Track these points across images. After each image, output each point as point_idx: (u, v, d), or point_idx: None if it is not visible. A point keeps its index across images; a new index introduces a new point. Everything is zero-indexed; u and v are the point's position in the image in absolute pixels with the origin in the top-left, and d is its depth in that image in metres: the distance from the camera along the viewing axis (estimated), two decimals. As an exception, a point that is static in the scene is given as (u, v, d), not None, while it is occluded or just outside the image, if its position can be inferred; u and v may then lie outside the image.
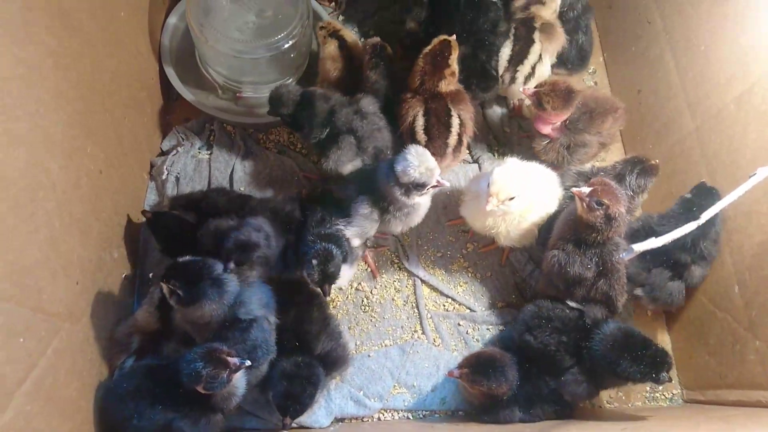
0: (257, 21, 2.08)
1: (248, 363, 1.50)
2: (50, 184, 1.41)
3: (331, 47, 2.07)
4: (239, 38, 2.03)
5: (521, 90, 2.05)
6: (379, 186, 1.75)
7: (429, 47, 1.94)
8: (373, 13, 2.57)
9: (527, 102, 2.18)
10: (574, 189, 1.72)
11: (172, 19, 2.28)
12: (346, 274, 1.76)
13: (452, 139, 1.93)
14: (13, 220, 1.25)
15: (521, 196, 1.78)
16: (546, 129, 2.05)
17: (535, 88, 1.96)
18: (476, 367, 1.73)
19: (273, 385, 1.68)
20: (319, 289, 1.70)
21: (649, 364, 1.66)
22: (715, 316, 1.92)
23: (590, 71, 2.59)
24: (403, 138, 2.01)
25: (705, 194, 1.84)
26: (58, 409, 1.39)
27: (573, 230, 1.78)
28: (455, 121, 1.94)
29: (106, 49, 1.73)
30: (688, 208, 1.82)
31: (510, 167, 1.81)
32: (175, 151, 2.14)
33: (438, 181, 1.71)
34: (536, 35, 2.15)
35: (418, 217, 1.86)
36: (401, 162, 1.67)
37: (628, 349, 1.68)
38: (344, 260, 1.70)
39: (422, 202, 1.80)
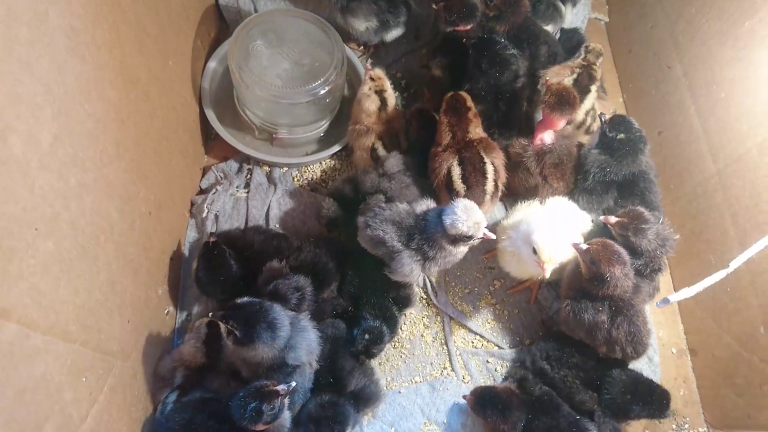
0: (295, 68, 2.18)
1: (293, 384, 1.59)
2: (110, 228, 1.49)
3: (372, 103, 2.13)
4: (277, 84, 2.12)
5: None
6: (427, 234, 1.78)
7: (443, 106, 2.04)
8: (401, 57, 2.68)
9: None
10: (572, 243, 1.79)
11: (212, 64, 2.39)
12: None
13: (489, 186, 1.98)
14: (80, 265, 1.33)
15: (567, 250, 1.84)
16: (546, 135, 2.11)
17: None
18: (481, 398, 1.86)
19: (303, 428, 1.74)
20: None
21: (657, 407, 1.83)
22: (742, 356, 1.95)
23: (611, 112, 2.67)
24: (437, 191, 2.06)
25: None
26: (112, 445, 1.46)
27: (579, 280, 1.85)
28: (490, 168, 1.99)
29: (157, 97, 1.84)
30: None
31: (549, 230, 1.81)
32: (214, 190, 2.23)
33: (485, 234, 1.75)
34: (594, 87, 2.23)
35: (456, 261, 1.90)
36: (449, 215, 1.71)
37: (637, 394, 1.83)
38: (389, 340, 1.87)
39: (465, 249, 1.86)
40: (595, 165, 2.04)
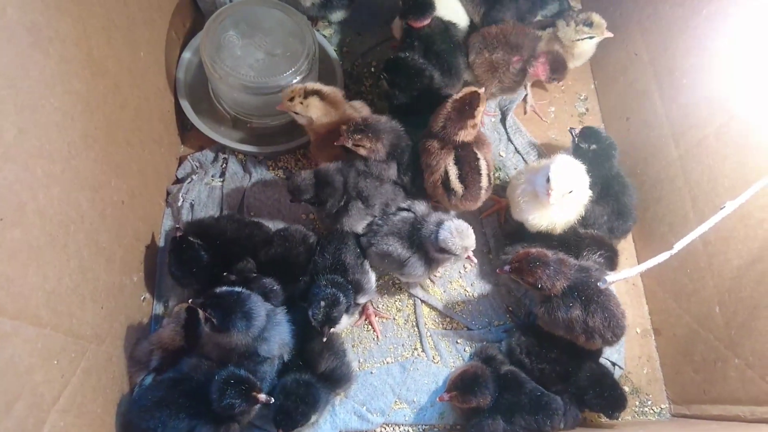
0: (267, 58, 2.22)
1: (272, 400, 1.69)
2: (79, 217, 1.54)
3: (316, 102, 2.04)
4: (250, 75, 2.16)
5: None
6: (421, 237, 1.95)
7: (459, 95, 1.98)
8: (376, 45, 2.71)
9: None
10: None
11: (187, 54, 2.42)
12: (344, 322, 1.91)
13: (484, 182, 2.04)
14: (50, 253, 1.39)
15: (577, 189, 1.94)
16: None
17: None
18: (463, 388, 1.89)
19: (274, 398, 1.79)
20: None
21: (611, 404, 1.90)
22: (699, 335, 2.03)
23: (582, 98, 2.73)
24: (431, 186, 2.08)
25: None
26: (86, 424, 1.52)
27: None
28: (483, 165, 2.04)
29: (128, 88, 1.88)
30: None
31: (564, 163, 1.92)
32: (190, 179, 2.28)
33: (468, 256, 1.90)
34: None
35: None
36: (444, 233, 1.85)
37: (600, 384, 1.92)
38: (346, 310, 1.86)
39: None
40: None
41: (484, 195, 2.09)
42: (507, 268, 1.87)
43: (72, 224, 1.50)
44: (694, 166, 2.06)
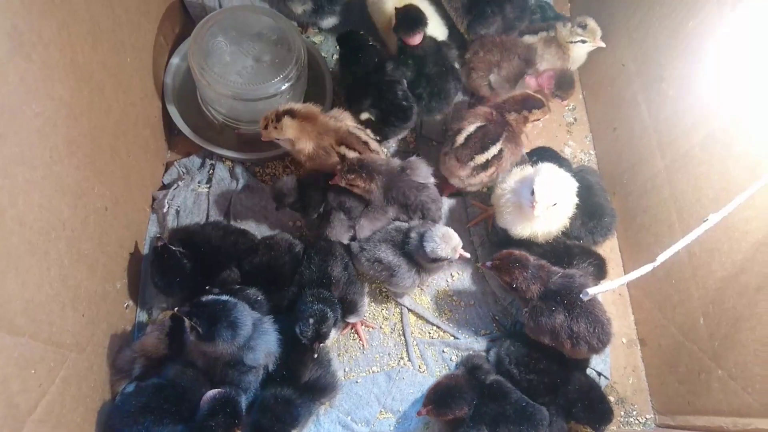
0: (255, 65, 2.21)
1: None
2: (60, 224, 1.53)
3: (288, 122, 1.98)
4: (238, 81, 2.15)
5: None
6: (413, 255, 1.99)
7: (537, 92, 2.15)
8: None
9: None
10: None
11: (175, 60, 2.41)
12: (332, 334, 1.91)
13: (479, 159, 2.06)
14: (29, 261, 1.37)
15: (562, 202, 1.95)
16: None
17: None
18: (438, 401, 1.87)
19: (252, 412, 1.79)
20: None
21: (598, 417, 1.90)
22: (684, 345, 2.03)
23: (570, 108, 2.74)
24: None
25: None
26: (64, 434, 1.50)
27: None
28: (494, 149, 2.05)
29: (114, 94, 1.86)
30: None
31: (548, 175, 1.93)
32: (176, 185, 2.26)
33: (460, 254, 1.92)
34: None
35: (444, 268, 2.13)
36: (430, 243, 1.89)
37: (588, 397, 1.92)
38: (334, 324, 1.87)
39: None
40: None
41: (470, 169, 2.09)
42: (489, 264, 1.91)
43: (53, 231, 1.48)
44: (680, 176, 2.07)
